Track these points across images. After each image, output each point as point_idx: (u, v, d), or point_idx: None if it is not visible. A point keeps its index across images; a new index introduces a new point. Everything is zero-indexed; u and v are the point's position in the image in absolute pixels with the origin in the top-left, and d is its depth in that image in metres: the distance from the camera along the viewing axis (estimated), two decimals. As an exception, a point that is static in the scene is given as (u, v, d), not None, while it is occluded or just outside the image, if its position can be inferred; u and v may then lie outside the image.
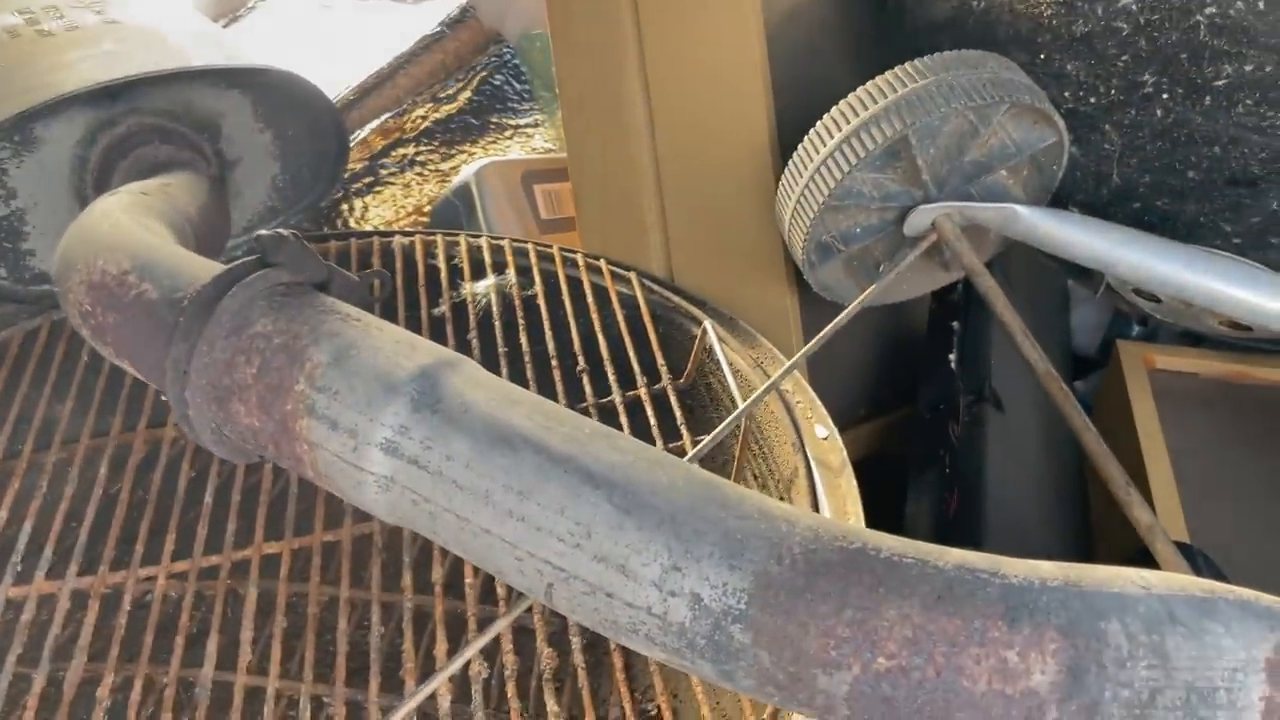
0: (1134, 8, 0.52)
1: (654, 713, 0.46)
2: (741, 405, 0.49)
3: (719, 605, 0.31)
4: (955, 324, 0.69)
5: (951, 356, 0.67)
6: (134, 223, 0.49)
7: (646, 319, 0.62)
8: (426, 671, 0.45)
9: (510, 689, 0.44)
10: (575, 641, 0.45)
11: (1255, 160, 0.53)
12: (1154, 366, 0.68)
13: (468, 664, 0.46)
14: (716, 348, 0.52)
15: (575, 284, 0.67)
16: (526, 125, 0.92)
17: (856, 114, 0.54)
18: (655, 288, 0.65)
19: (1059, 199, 0.61)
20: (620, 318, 0.63)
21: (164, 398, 0.45)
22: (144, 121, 0.64)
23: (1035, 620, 0.31)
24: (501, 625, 0.40)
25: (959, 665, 0.31)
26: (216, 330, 0.40)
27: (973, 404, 0.64)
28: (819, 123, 0.55)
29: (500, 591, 0.48)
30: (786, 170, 0.57)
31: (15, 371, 0.66)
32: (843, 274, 0.62)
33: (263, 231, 0.41)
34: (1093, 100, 0.56)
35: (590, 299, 0.65)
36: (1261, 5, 0.48)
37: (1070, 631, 0.32)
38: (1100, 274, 0.65)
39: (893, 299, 0.65)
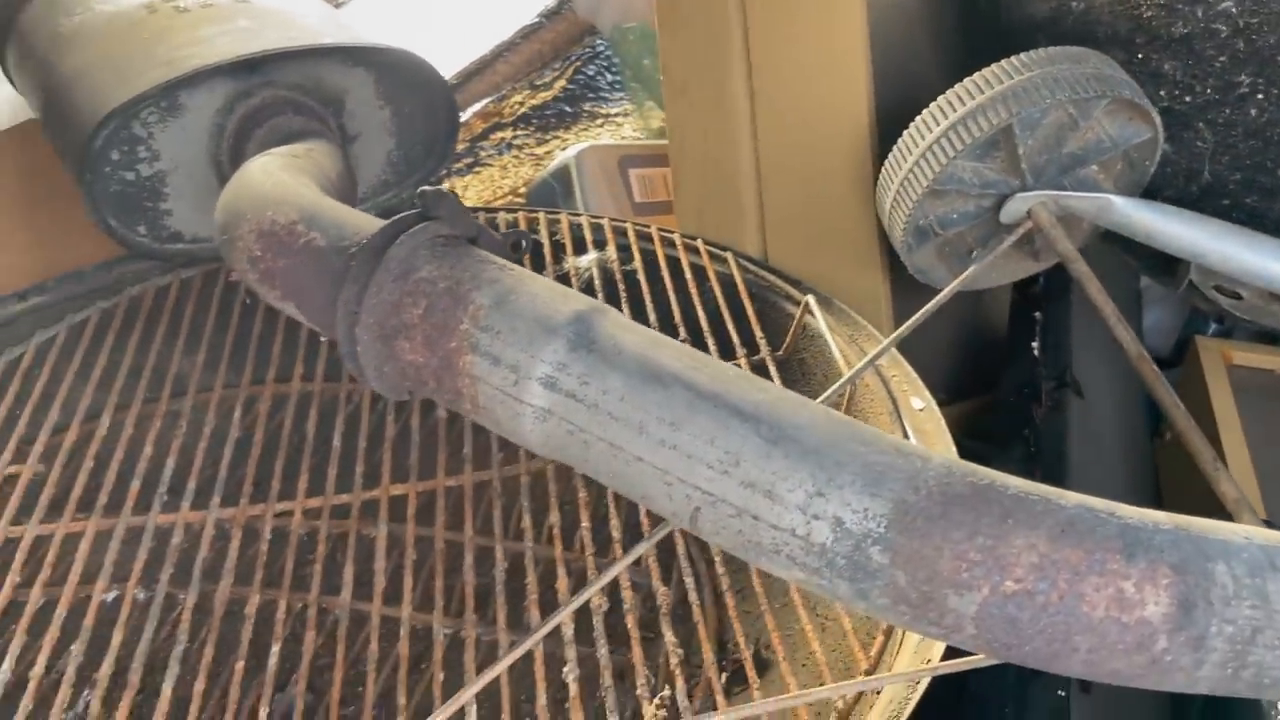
0: (1233, 10, 0.55)
1: (765, 653, 0.49)
2: (849, 373, 0.52)
3: (860, 528, 0.34)
4: (1038, 314, 0.72)
5: (1034, 344, 0.69)
6: (294, 180, 0.53)
7: (744, 295, 0.66)
8: (548, 608, 0.49)
9: (630, 620, 0.47)
10: (689, 582, 0.49)
11: (1347, 159, 0.55)
12: (1232, 362, 0.70)
13: (587, 602, 0.49)
14: (819, 317, 0.55)
15: (673, 262, 0.70)
16: (617, 114, 0.96)
17: (964, 102, 0.57)
18: (751, 267, 0.68)
19: (1149, 194, 0.63)
20: (718, 293, 0.67)
21: (323, 338, 0.49)
22: (278, 94, 0.68)
23: (1150, 556, 0.34)
24: (640, 550, 0.43)
25: (1080, 592, 0.34)
26: (385, 275, 0.43)
27: (1055, 389, 0.67)
28: (925, 110, 0.58)
29: (616, 533, 0.51)
30: (891, 155, 0.60)
31: (149, 325, 0.70)
32: (936, 259, 0.64)
33: (425, 188, 0.45)
34: (1188, 99, 0.59)
35: (689, 275, 0.69)
36: (1361, 9, 0.51)
37: (1182, 569, 0.35)
38: (1183, 270, 0.67)
39: (981, 285, 0.68)
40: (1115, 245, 0.76)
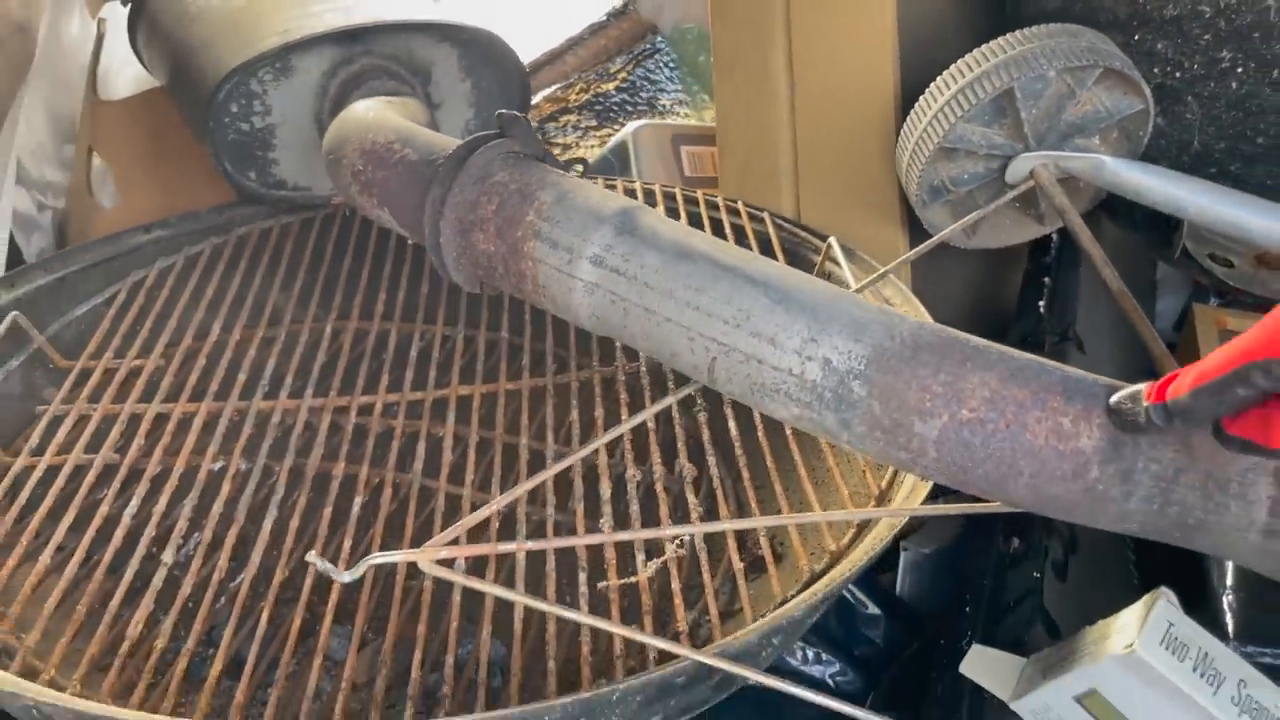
0: (1216, -8, 0.62)
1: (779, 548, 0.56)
2: (854, 287, 0.60)
3: (844, 366, 0.42)
4: (1047, 279, 0.79)
5: (1041, 304, 0.76)
6: (392, 113, 0.62)
7: (778, 249, 0.73)
8: (591, 503, 0.56)
9: (659, 487, 0.55)
10: (711, 459, 0.57)
11: (1316, 127, 0.62)
12: (1225, 327, 0.76)
13: (624, 476, 0.57)
14: (837, 250, 0.63)
15: (715, 222, 0.78)
16: (673, 105, 1.05)
17: (971, 70, 0.64)
18: (785, 225, 0.76)
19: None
20: (754, 248, 0.75)
21: (410, 240, 0.58)
22: (375, 62, 0.78)
23: (1086, 400, 0.41)
24: (669, 401, 0.51)
25: (1024, 422, 0.41)
26: (466, 178, 0.52)
27: (1058, 343, 0.74)
28: (938, 78, 0.66)
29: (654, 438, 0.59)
30: (908, 118, 0.68)
31: (252, 262, 0.80)
32: (949, 216, 0.72)
33: (502, 111, 0.54)
34: (1178, 75, 0.66)
35: (729, 233, 0.77)
36: (1324, -9, 0.58)
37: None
38: (1177, 239, 0.74)
39: (991, 244, 0.75)
40: (1119, 221, 0.83)
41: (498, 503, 0.43)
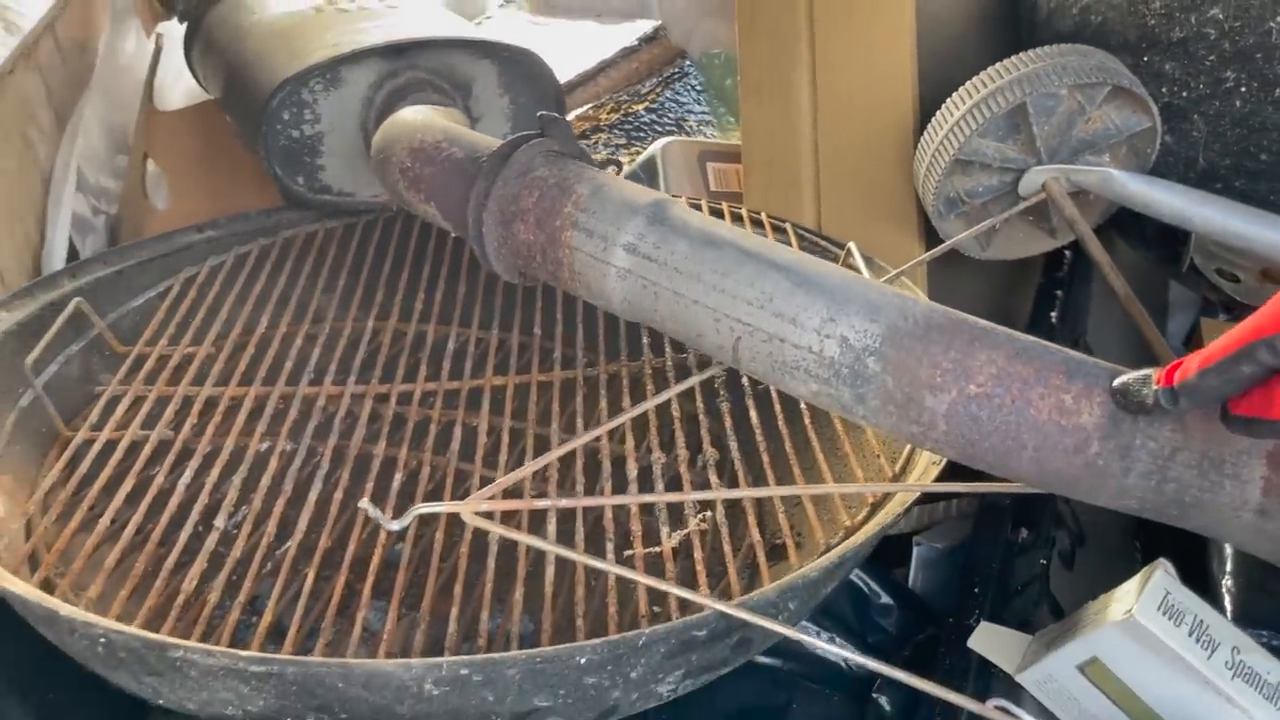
0: (1220, 16, 0.65)
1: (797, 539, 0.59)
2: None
3: (860, 343, 0.45)
4: (1059, 292, 0.81)
5: (1054, 314, 0.79)
6: (439, 116, 0.66)
7: (798, 257, 0.77)
8: (618, 486, 0.59)
9: (683, 469, 0.58)
10: (733, 444, 0.59)
11: (1317, 143, 0.65)
12: (1234, 341, 0.79)
13: (651, 459, 0.60)
14: (856, 255, 0.66)
15: (739, 232, 0.82)
16: (700, 127, 1.09)
17: (985, 86, 0.68)
18: (807, 234, 0.79)
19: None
20: (776, 256, 0.78)
21: (455, 233, 0.62)
22: (419, 76, 0.83)
23: (1087, 379, 0.44)
24: (693, 382, 0.54)
25: (1028, 398, 0.44)
26: (509, 173, 0.56)
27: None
28: (955, 93, 0.70)
29: (678, 424, 0.62)
30: (925, 132, 0.71)
31: (298, 263, 0.84)
32: (965, 228, 0.75)
33: (543, 113, 0.58)
34: (1184, 94, 0.69)
35: (752, 242, 0.80)
36: (1323, 13, 0.61)
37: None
38: (1186, 252, 0.76)
39: (1005, 256, 0.78)
40: (1131, 240, 0.85)
41: (534, 464, 0.46)
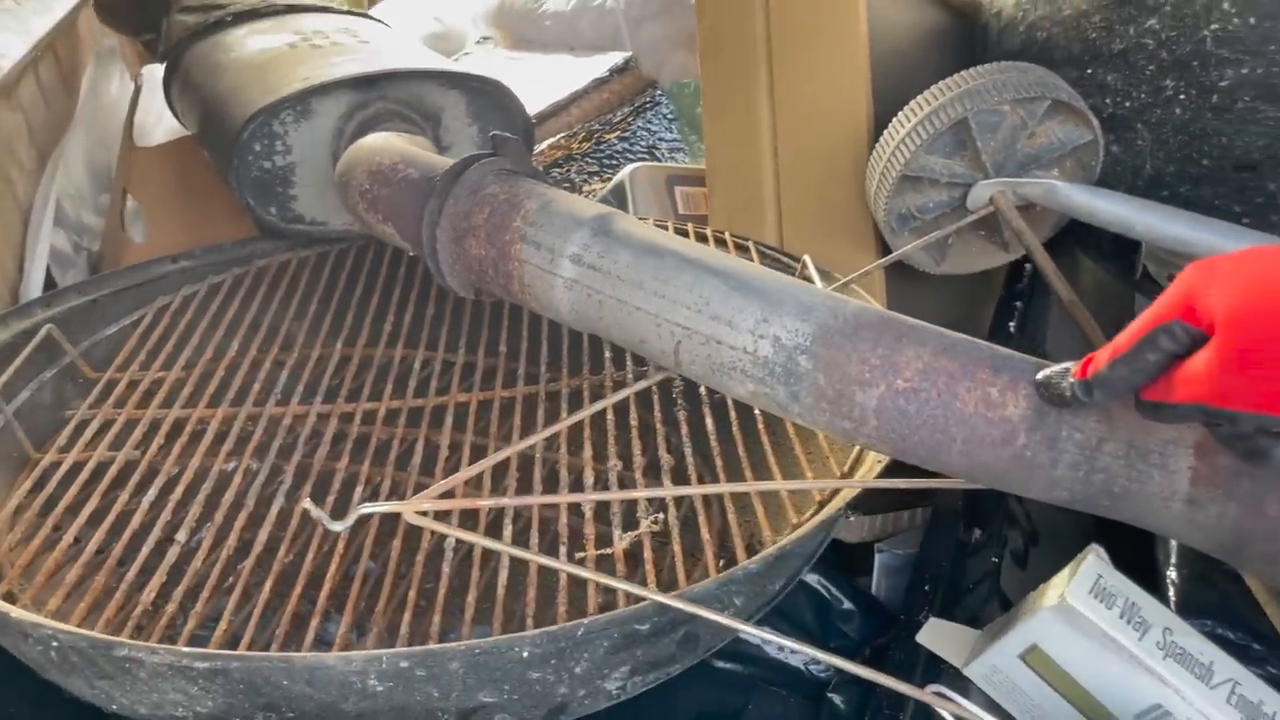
0: (1157, 26, 0.67)
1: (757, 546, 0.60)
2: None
3: (792, 342, 0.46)
4: (1019, 304, 0.83)
5: (1012, 324, 0.80)
6: (397, 140, 0.68)
7: (759, 274, 0.78)
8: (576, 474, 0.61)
9: (639, 474, 0.59)
10: (688, 451, 0.61)
11: (1255, 148, 0.66)
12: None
13: (608, 467, 0.61)
14: (811, 268, 0.68)
15: (704, 252, 0.84)
16: (671, 154, 1.11)
17: (929, 104, 0.69)
18: (769, 251, 0.81)
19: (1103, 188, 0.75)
20: (738, 273, 0.80)
21: (411, 253, 0.63)
22: (388, 106, 0.85)
23: (1013, 373, 0.45)
24: (637, 388, 0.55)
25: (954, 391, 0.45)
26: (461, 190, 0.58)
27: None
28: (901, 111, 0.71)
29: (635, 433, 0.63)
30: (875, 148, 0.73)
31: (270, 291, 0.85)
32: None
33: (496, 133, 0.60)
34: (1128, 104, 0.71)
35: (715, 261, 0.82)
36: (1253, 20, 0.63)
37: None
38: (1139, 259, 0.78)
39: (959, 270, 0.80)
40: (1090, 252, 0.87)
41: (484, 463, 0.47)
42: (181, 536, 0.58)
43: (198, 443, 0.67)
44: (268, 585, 0.55)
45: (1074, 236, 0.83)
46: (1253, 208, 0.69)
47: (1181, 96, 0.68)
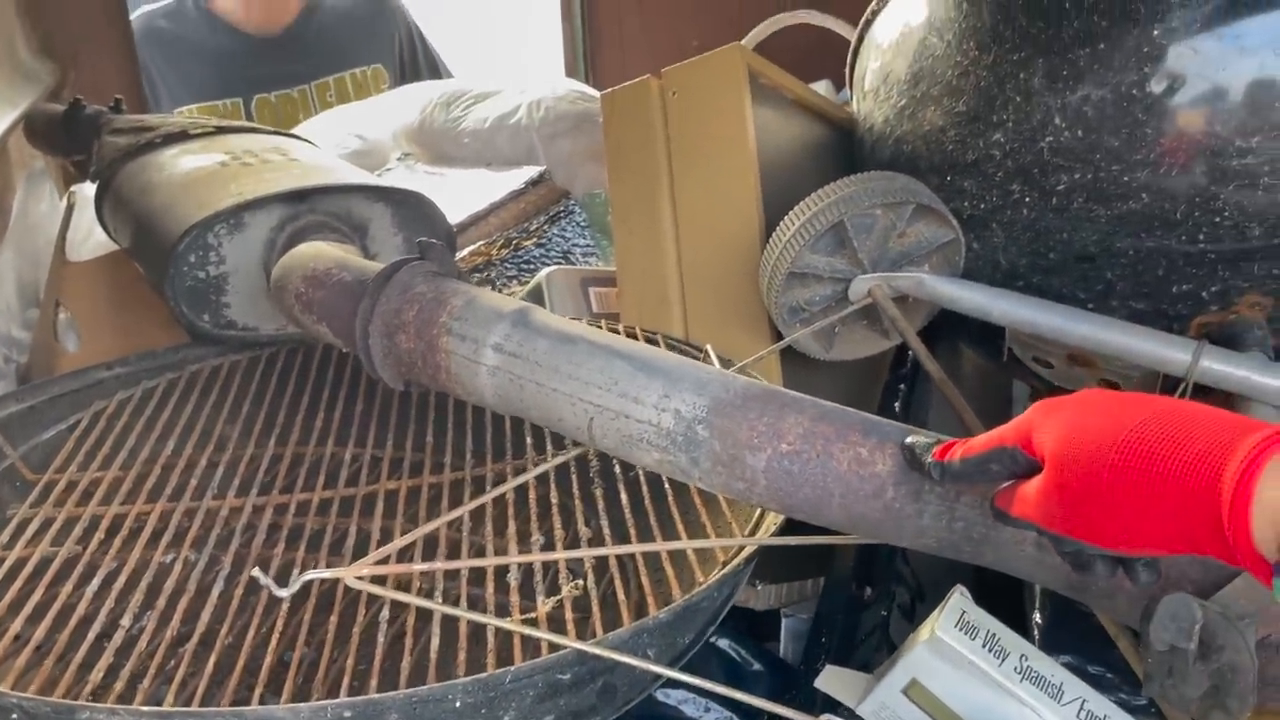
0: (1002, 140, 0.77)
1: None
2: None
3: (691, 414, 0.53)
4: (903, 386, 0.91)
5: (897, 404, 0.88)
6: (331, 248, 0.74)
7: (667, 364, 0.85)
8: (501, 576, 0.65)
9: (559, 546, 0.64)
10: (605, 523, 0.66)
11: (1091, 242, 0.76)
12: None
13: (531, 541, 0.66)
14: (713, 356, 0.75)
15: (616, 347, 0.91)
16: (584, 258, 1.18)
17: (811, 209, 0.78)
18: (676, 343, 0.88)
19: (968, 279, 0.84)
20: (648, 364, 0.87)
21: (344, 349, 0.68)
22: (317, 218, 0.91)
23: (880, 435, 0.52)
24: (556, 462, 0.61)
25: (831, 452, 0.52)
26: (392, 290, 0.64)
27: (912, 437, 0.85)
28: (787, 215, 0.80)
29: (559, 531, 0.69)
30: (765, 249, 0.82)
31: (203, 395, 0.89)
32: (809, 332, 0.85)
33: (422, 239, 0.66)
34: (982, 206, 0.81)
35: (627, 354, 0.89)
36: (1080, 133, 0.73)
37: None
38: (1004, 343, 0.87)
39: (847, 356, 0.88)
40: (964, 340, 0.96)
41: (418, 532, 0.52)
42: (125, 622, 0.61)
43: (137, 537, 0.70)
44: (212, 660, 0.58)
45: (949, 325, 0.92)
46: (1094, 294, 0.78)
47: (1027, 199, 0.78)
